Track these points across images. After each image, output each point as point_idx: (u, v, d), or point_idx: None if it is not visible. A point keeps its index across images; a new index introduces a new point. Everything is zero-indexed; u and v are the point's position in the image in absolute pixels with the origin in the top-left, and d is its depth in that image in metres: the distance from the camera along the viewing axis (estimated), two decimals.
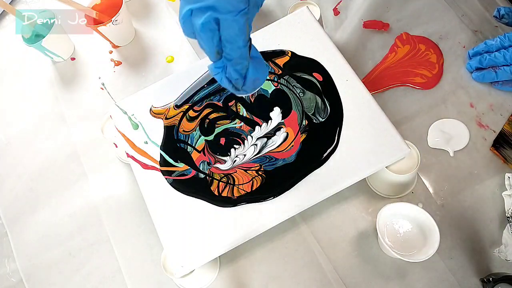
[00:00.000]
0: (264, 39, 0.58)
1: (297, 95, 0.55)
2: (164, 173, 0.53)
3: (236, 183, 0.51)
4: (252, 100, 0.56)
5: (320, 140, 0.52)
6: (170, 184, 0.53)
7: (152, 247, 0.56)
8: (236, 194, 0.51)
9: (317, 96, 0.54)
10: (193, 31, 0.40)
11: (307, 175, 0.50)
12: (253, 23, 0.41)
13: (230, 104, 0.56)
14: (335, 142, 0.51)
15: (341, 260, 0.52)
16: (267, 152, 0.52)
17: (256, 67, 0.42)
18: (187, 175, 0.53)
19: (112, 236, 0.59)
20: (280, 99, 0.55)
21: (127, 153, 0.55)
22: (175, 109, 0.57)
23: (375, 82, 0.61)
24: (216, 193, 0.51)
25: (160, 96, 0.58)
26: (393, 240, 0.49)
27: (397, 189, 0.53)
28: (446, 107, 0.58)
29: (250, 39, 0.41)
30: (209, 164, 0.53)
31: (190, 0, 0.38)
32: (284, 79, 0.56)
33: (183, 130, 0.56)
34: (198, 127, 0.56)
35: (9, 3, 0.79)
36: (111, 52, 0.73)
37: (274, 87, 0.56)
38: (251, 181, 0.51)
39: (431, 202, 0.53)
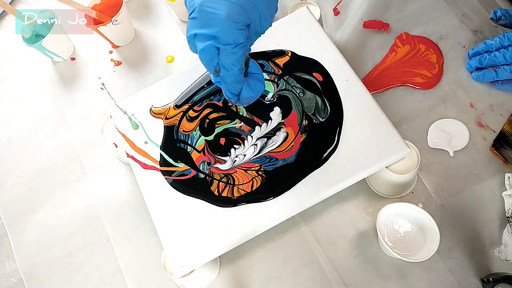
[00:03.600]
0: (264, 39, 0.58)
1: (297, 95, 0.55)
2: (164, 173, 0.53)
3: (236, 183, 0.51)
4: None
5: (320, 140, 0.52)
6: (170, 184, 0.53)
7: (152, 247, 0.56)
8: (236, 194, 0.51)
9: (317, 96, 0.54)
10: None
11: (307, 175, 0.50)
12: None
13: (230, 104, 0.56)
14: (335, 142, 0.51)
15: (341, 260, 0.52)
16: (267, 152, 0.52)
17: (251, 86, 0.45)
18: (187, 175, 0.53)
19: (112, 236, 0.59)
20: (280, 99, 0.55)
21: (127, 153, 0.55)
22: (175, 109, 0.57)
23: (375, 82, 0.61)
24: (216, 193, 0.51)
25: (160, 96, 0.58)
26: (393, 240, 0.49)
27: (397, 189, 0.53)
28: (446, 107, 0.58)
29: (248, 59, 0.44)
30: (209, 164, 0.53)
31: (195, 24, 0.40)
32: (284, 79, 0.56)
33: (183, 130, 0.56)
34: (198, 127, 0.56)
35: (9, 3, 0.79)
36: (111, 52, 0.73)
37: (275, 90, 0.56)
38: (251, 181, 0.51)
39: (431, 202, 0.53)
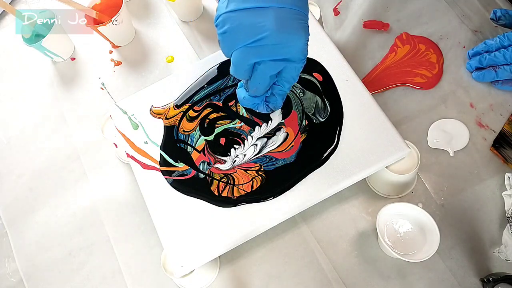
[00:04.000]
0: None
1: (297, 95, 0.55)
2: (164, 173, 0.53)
3: (236, 183, 0.51)
4: None
5: (320, 140, 0.52)
6: (170, 184, 0.53)
7: (152, 247, 0.56)
8: (236, 194, 0.51)
9: (317, 96, 0.54)
10: (250, 75, 0.41)
11: (307, 175, 0.50)
12: None
13: (230, 104, 0.56)
14: (335, 142, 0.51)
15: (341, 260, 0.52)
16: (267, 152, 0.52)
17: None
18: (187, 175, 0.53)
19: (112, 236, 0.59)
20: None
21: (127, 153, 0.55)
22: (175, 109, 0.57)
23: (375, 82, 0.61)
24: (216, 193, 0.51)
25: (160, 96, 0.58)
26: (393, 240, 0.49)
27: (397, 189, 0.53)
28: (446, 107, 0.58)
29: None
30: (209, 164, 0.53)
31: (262, 52, 0.38)
32: None
33: (183, 130, 0.56)
34: (198, 127, 0.56)
35: (9, 3, 0.79)
36: (111, 52, 0.73)
37: None
38: (251, 181, 0.51)
39: (431, 202, 0.53)
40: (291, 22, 0.38)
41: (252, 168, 0.52)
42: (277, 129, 0.54)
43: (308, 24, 0.40)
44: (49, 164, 0.66)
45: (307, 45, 0.40)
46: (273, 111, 0.48)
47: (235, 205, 0.50)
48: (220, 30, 0.40)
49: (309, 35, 0.40)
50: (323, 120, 0.53)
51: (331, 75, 0.55)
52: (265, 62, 0.39)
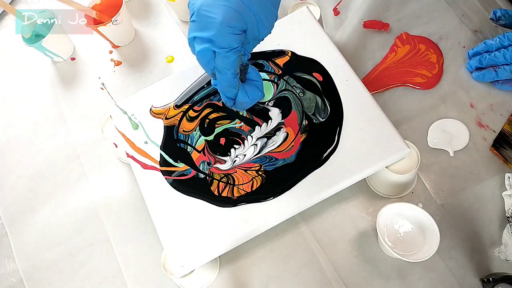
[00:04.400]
0: (264, 39, 0.58)
1: (297, 95, 0.55)
2: (164, 173, 0.53)
3: (236, 183, 0.51)
4: None
5: (320, 140, 0.52)
6: (170, 184, 0.53)
7: (152, 247, 0.56)
8: (236, 194, 0.51)
9: (317, 96, 0.54)
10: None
11: (307, 175, 0.50)
12: None
13: None
14: (335, 142, 0.51)
15: (341, 260, 0.52)
16: (267, 152, 0.52)
17: (247, 92, 0.46)
18: (187, 175, 0.53)
19: (112, 236, 0.59)
20: (280, 99, 0.55)
21: (127, 153, 0.55)
22: (175, 109, 0.57)
23: (375, 82, 0.61)
24: (216, 193, 0.51)
25: (160, 96, 0.58)
26: (393, 240, 0.49)
27: (397, 189, 0.53)
28: (446, 107, 0.58)
29: (246, 65, 0.45)
30: (209, 164, 0.53)
31: (195, 27, 0.41)
32: (284, 79, 0.56)
33: (183, 130, 0.56)
34: (198, 127, 0.56)
35: (9, 3, 0.79)
36: (111, 52, 0.73)
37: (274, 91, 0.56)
38: (251, 181, 0.51)
39: (431, 202, 0.53)
40: (215, 3, 0.39)
41: (252, 168, 0.52)
42: (277, 129, 0.54)
43: (241, 15, 0.39)
44: (49, 164, 0.66)
45: (234, 35, 0.39)
46: (228, 105, 0.47)
47: (235, 205, 0.50)
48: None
49: (239, 25, 0.39)
50: (323, 120, 0.53)
51: (331, 75, 0.55)
52: (197, 38, 0.41)
